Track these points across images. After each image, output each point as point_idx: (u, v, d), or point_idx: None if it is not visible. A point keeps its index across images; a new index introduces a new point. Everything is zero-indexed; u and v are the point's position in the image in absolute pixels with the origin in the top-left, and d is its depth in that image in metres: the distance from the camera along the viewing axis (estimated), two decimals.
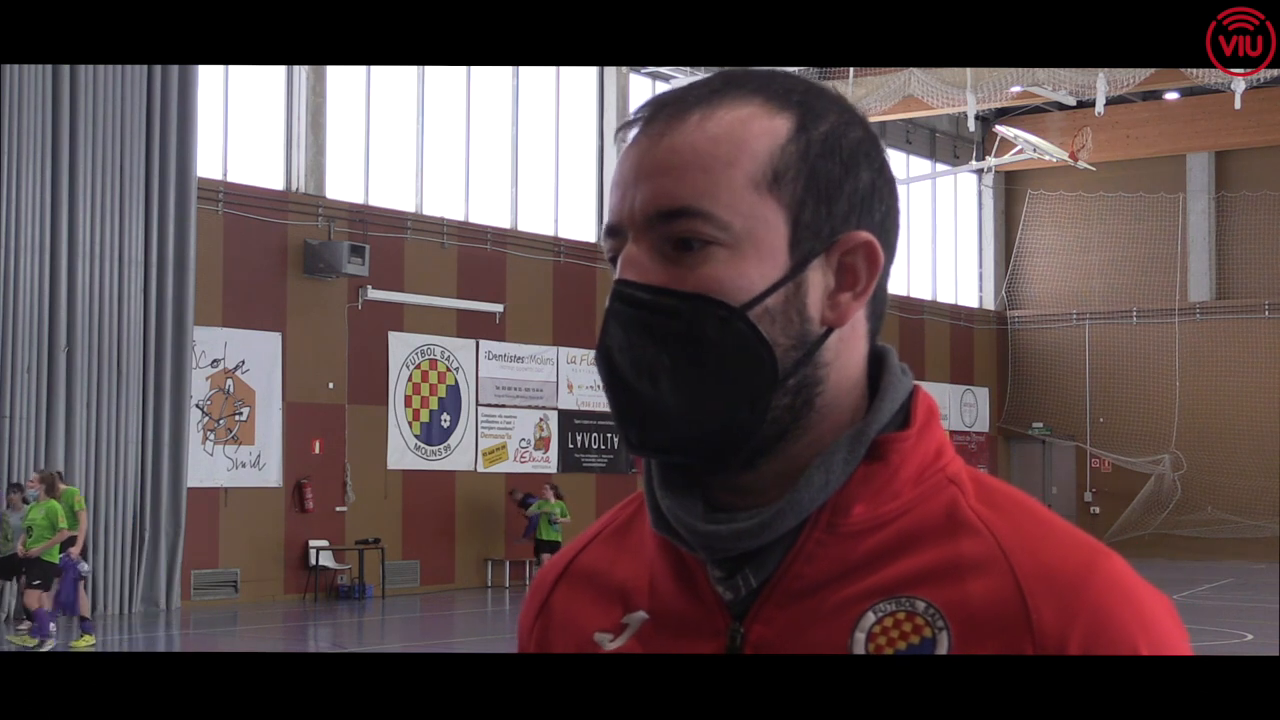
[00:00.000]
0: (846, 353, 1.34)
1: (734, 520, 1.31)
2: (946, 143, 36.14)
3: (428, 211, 25.05)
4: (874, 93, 26.88)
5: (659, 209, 1.30)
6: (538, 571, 1.55)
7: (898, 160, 34.38)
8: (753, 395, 1.29)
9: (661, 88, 29.42)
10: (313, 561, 22.63)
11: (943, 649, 1.25)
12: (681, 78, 28.83)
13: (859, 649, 1.27)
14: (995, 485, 1.34)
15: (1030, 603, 1.25)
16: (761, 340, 1.28)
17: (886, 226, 1.35)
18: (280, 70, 22.87)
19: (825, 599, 1.29)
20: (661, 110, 1.33)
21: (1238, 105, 25.35)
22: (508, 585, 24.59)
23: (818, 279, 1.32)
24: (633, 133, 1.34)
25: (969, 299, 37.53)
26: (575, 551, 1.49)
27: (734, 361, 1.28)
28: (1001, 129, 30.21)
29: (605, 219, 1.35)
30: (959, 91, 26.31)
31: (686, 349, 1.28)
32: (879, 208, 1.34)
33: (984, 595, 1.26)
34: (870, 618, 1.28)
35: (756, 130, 1.31)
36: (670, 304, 1.28)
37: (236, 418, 22.06)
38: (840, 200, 1.32)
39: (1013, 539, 1.28)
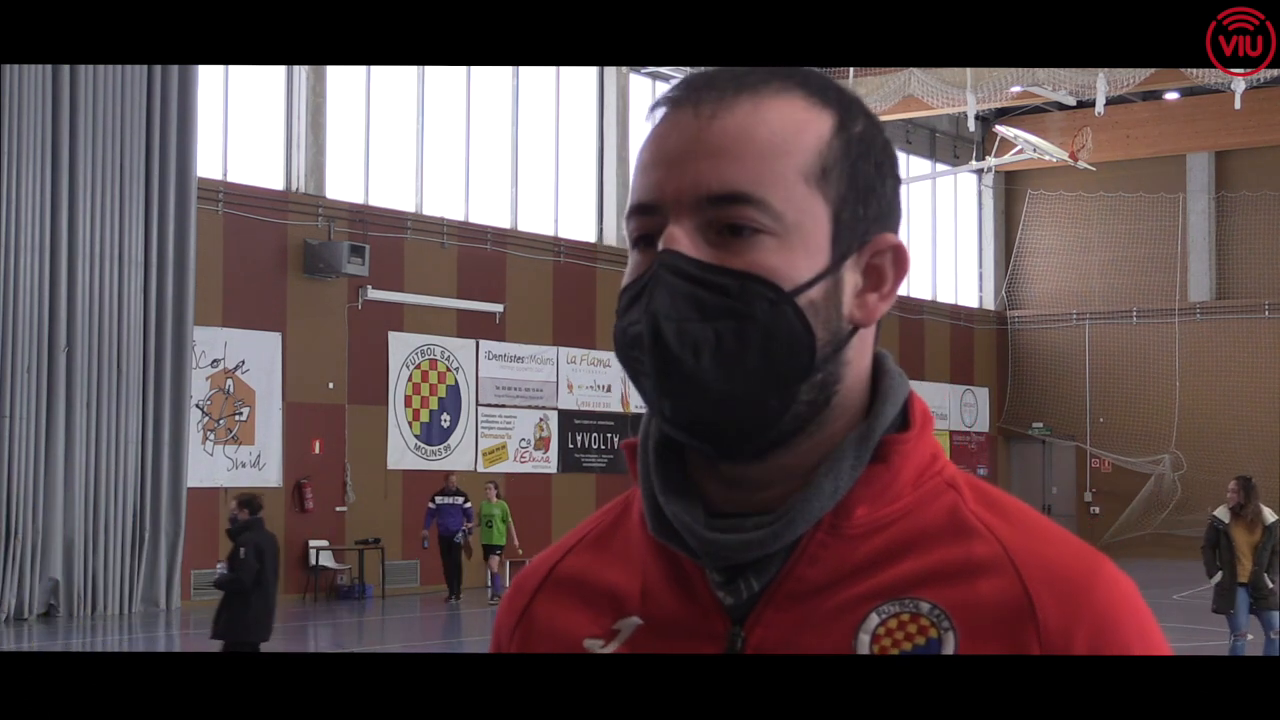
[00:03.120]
0: (861, 354, 1.35)
1: (741, 529, 1.30)
2: (946, 143, 36.14)
3: (428, 211, 25.06)
4: (874, 93, 26.87)
5: (711, 192, 1.28)
6: (515, 577, 1.50)
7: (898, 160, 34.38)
8: (786, 382, 1.29)
9: (662, 88, 29.43)
10: (313, 561, 22.63)
11: (949, 650, 1.25)
12: (681, 78, 28.83)
13: (863, 651, 1.27)
14: (992, 490, 1.35)
15: (1037, 603, 1.25)
16: (807, 327, 1.28)
17: (898, 232, 1.38)
18: (280, 70, 22.88)
19: (825, 601, 1.29)
20: (705, 91, 1.31)
21: (1238, 105, 25.34)
22: (508, 585, 24.48)
23: (850, 278, 1.33)
24: (669, 111, 1.33)
25: (969, 299, 37.53)
26: (557, 557, 1.46)
27: (777, 345, 1.27)
28: (1001, 129, 30.21)
29: (636, 196, 1.32)
30: (959, 91, 26.30)
31: (734, 327, 1.27)
32: (897, 213, 1.37)
33: (990, 596, 1.26)
34: (874, 619, 1.27)
35: (805, 122, 1.31)
36: (723, 281, 1.27)
37: (236, 418, 22.06)
38: (873, 202, 1.34)
39: (1015, 542, 1.29)
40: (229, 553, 11.90)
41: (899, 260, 1.35)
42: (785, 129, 1.30)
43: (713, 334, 1.26)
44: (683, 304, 1.27)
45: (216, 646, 11.33)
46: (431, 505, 22.75)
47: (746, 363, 1.27)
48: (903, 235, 1.39)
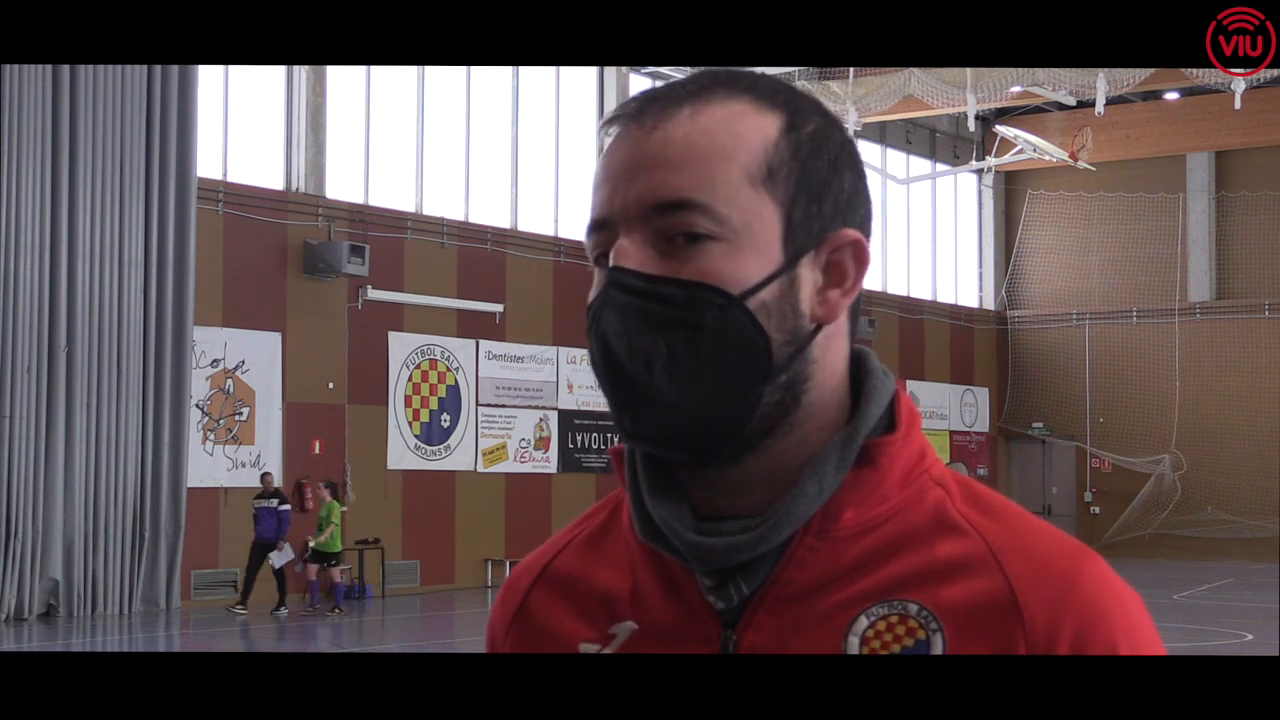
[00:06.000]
0: (832, 351, 1.34)
1: (727, 532, 1.31)
2: (946, 143, 36.13)
3: (428, 211, 25.05)
4: (874, 93, 26.87)
5: (656, 201, 1.29)
6: (508, 576, 1.49)
7: (898, 160, 34.36)
8: (745, 386, 1.29)
9: None
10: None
11: (937, 651, 1.26)
12: (681, 78, 28.85)
13: (853, 654, 1.27)
14: (979, 488, 1.35)
15: (1022, 601, 1.26)
16: (759, 329, 1.28)
17: (866, 229, 1.37)
18: (280, 70, 22.87)
19: (816, 604, 1.30)
20: (650, 105, 1.33)
21: (1238, 105, 25.33)
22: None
23: (808, 276, 1.32)
24: (618, 128, 1.33)
25: (969, 299, 37.52)
26: (549, 557, 1.46)
27: (731, 351, 1.28)
28: (1001, 129, 30.20)
29: (591, 214, 1.33)
30: (959, 91, 26.30)
31: (684, 337, 1.27)
32: (861, 209, 1.36)
33: (976, 596, 1.27)
34: (863, 622, 1.28)
35: (750, 125, 1.31)
36: (669, 291, 1.27)
37: (236, 418, 22.06)
38: (828, 199, 1.33)
39: (1001, 540, 1.29)
40: None
41: (859, 255, 1.34)
42: (726, 133, 1.30)
43: (663, 345, 1.27)
44: (631, 319, 1.28)
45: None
46: (254, 509, 20.74)
47: (701, 371, 1.27)
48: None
